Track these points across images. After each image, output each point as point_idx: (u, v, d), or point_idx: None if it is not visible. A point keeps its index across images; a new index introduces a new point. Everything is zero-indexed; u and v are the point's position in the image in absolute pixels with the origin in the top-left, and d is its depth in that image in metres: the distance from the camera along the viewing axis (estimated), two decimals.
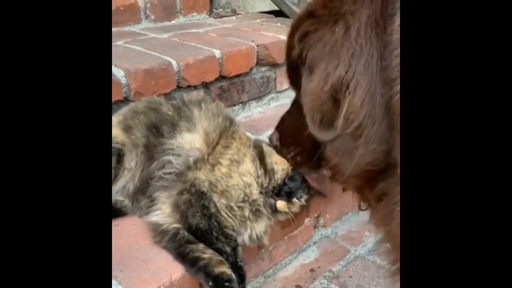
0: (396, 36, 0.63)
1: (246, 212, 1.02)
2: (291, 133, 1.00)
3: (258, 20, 2.17)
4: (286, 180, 1.06)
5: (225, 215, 1.00)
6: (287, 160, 1.05)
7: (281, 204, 1.06)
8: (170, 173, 1.03)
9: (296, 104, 0.90)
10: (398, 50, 0.62)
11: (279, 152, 1.06)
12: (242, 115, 1.74)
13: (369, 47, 0.66)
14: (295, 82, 0.85)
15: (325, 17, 0.73)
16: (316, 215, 1.38)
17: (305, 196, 1.08)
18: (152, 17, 1.96)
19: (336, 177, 0.83)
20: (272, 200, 1.06)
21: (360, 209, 0.89)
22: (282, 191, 1.06)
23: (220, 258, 0.95)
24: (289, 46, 0.82)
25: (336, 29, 0.69)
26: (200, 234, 0.97)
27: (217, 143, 1.07)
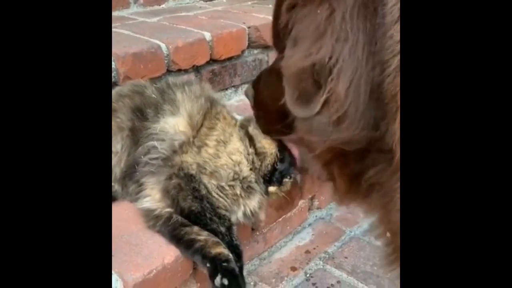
0: (389, 18, 0.61)
1: (238, 190, 1.01)
2: (265, 95, 0.96)
3: (249, 3, 2.13)
4: (276, 165, 1.04)
5: (216, 195, 0.99)
6: (256, 121, 1.02)
7: (272, 189, 1.05)
8: (156, 158, 1.01)
9: (276, 67, 0.85)
10: (392, 32, 0.60)
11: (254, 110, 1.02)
12: (235, 99, 1.72)
13: (356, 32, 0.63)
14: (279, 46, 0.81)
15: None
16: (310, 196, 1.37)
17: (295, 172, 1.07)
18: (141, 1, 1.93)
19: (306, 151, 0.81)
20: (263, 186, 1.05)
21: (319, 178, 0.88)
22: (274, 177, 1.04)
23: (216, 239, 0.94)
24: (276, 13, 0.79)
25: (319, 11, 0.66)
26: (193, 217, 0.96)
27: (201, 125, 1.06)
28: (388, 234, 0.79)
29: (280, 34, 0.77)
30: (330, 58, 0.63)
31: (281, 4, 0.76)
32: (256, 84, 1.01)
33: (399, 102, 0.61)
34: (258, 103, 1.00)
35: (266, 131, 1.02)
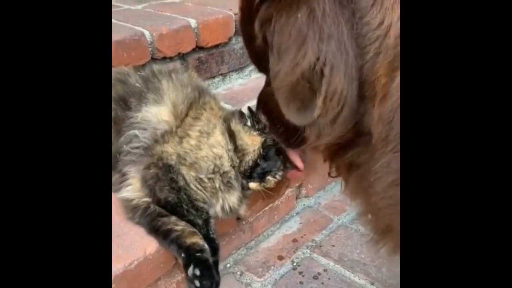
0: (363, 3, 0.60)
1: (217, 184, 1.00)
2: (274, 115, 0.93)
3: None
4: (258, 161, 1.02)
5: (194, 187, 0.97)
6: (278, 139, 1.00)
7: (253, 185, 1.03)
8: (137, 148, 1.00)
9: (270, 87, 0.86)
10: (368, 18, 0.60)
11: (271, 131, 1.00)
12: (223, 87, 1.70)
13: (339, 24, 0.60)
14: (264, 68, 0.78)
15: (287, 0, 0.65)
16: (297, 185, 1.36)
17: (280, 173, 1.05)
18: None
19: (313, 151, 0.82)
20: (244, 181, 1.03)
21: (330, 175, 0.88)
22: (254, 173, 1.02)
23: (193, 229, 0.93)
24: (248, 35, 0.75)
25: (299, 15, 0.62)
26: (170, 207, 0.95)
27: (186, 115, 1.03)
28: (369, 216, 0.80)
29: (260, 53, 0.74)
30: (317, 59, 0.61)
31: (249, 23, 0.72)
32: (263, 107, 0.99)
33: (376, 88, 0.61)
34: (273, 123, 0.97)
35: (288, 146, 0.99)
